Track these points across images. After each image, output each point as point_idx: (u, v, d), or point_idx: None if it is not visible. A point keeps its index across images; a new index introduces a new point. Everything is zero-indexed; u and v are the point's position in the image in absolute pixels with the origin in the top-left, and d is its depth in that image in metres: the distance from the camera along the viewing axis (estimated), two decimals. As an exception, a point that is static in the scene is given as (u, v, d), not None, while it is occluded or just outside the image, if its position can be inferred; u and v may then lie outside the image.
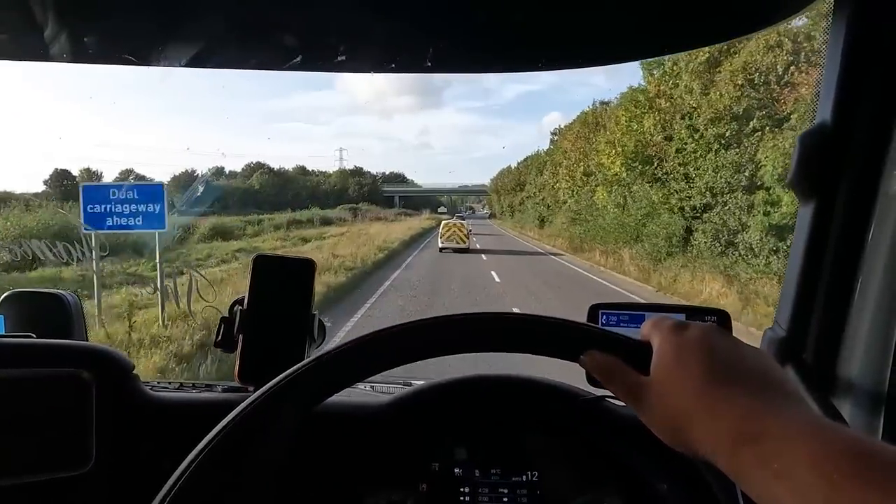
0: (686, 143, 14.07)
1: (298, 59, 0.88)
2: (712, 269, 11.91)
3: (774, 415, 0.34)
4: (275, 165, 55.39)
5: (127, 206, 5.96)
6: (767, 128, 11.76)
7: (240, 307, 0.81)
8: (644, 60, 14.05)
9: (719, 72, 13.22)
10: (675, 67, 14.90)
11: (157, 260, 6.02)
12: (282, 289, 0.82)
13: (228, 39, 0.87)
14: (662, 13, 0.76)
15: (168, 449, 0.49)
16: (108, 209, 5.90)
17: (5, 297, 1.07)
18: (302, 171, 61.49)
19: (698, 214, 13.71)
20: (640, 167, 16.18)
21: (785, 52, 11.76)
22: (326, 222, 30.89)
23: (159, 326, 6.07)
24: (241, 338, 0.80)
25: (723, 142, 12.87)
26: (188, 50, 0.87)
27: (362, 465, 0.75)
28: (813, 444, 0.31)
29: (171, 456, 0.42)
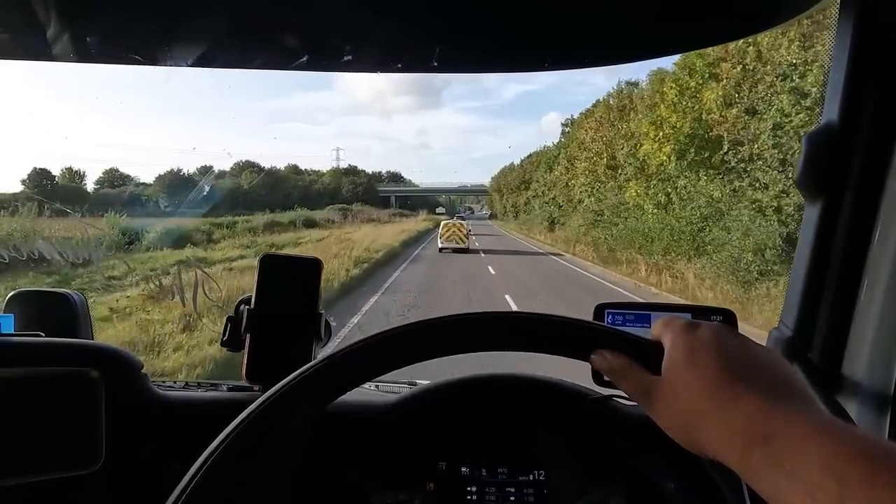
0: (788, 116, 9.80)
1: (304, 58, 0.88)
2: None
3: (785, 414, 0.34)
4: (266, 164, 54.11)
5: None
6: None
7: (246, 306, 0.81)
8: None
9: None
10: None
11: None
12: (288, 288, 0.82)
13: (234, 39, 0.87)
14: (665, 13, 0.76)
15: (175, 448, 0.49)
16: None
17: (13, 296, 1.08)
18: (294, 170, 60.43)
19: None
20: (695, 154, 12.31)
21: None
22: (310, 224, 28.39)
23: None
24: (247, 337, 0.80)
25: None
26: (193, 50, 0.87)
27: (369, 464, 0.75)
28: (825, 445, 0.31)
29: (178, 455, 0.43)
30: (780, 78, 10.29)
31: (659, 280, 12.39)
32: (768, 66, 10.68)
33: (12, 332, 0.99)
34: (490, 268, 15.18)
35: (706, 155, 12.21)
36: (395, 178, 78.35)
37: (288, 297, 0.81)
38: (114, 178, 45.03)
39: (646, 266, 13.41)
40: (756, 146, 10.55)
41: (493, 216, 64.20)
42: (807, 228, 0.71)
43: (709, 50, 10.46)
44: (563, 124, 34.24)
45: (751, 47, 10.87)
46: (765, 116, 10.45)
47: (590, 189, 21.16)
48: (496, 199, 59.24)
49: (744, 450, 0.34)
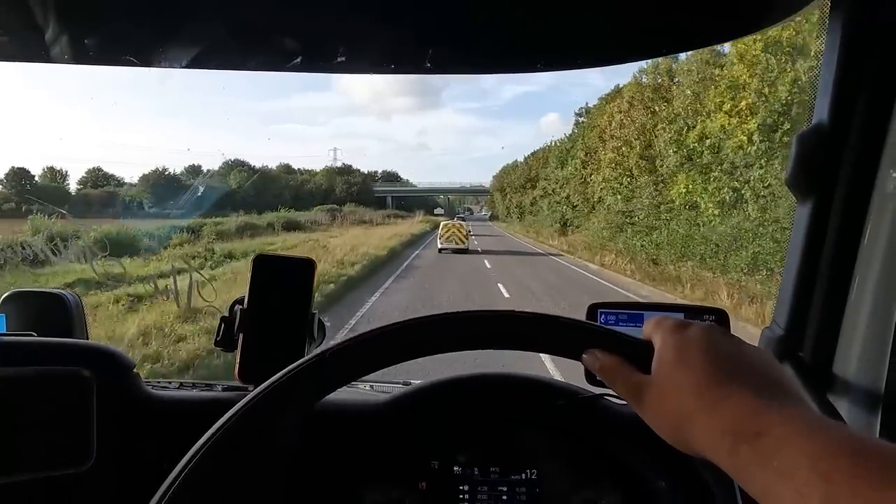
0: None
1: (298, 59, 0.88)
2: None
3: (774, 413, 0.34)
4: (258, 164, 52.37)
5: None
6: None
7: (240, 306, 0.82)
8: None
9: None
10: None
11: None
12: (281, 288, 0.82)
13: (228, 41, 0.87)
14: (660, 14, 0.76)
15: (168, 448, 0.49)
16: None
17: (7, 297, 1.08)
18: (286, 169, 58.61)
19: None
20: (784, 134, 9.01)
21: None
22: (292, 227, 25.64)
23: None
24: (241, 337, 0.80)
25: None
26: (188, 51, 0.87)
27: (362, 463, 0.75)
28: (812, 443, 0.31)
29: (171, 455, 0.43)
30: None
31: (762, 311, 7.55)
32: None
33: (4, 331, 0.99)
34: (502, 287, 11.36)
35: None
36: (392, 177, 77.22)
37: (281, 298, 0.82)
38: (97, 178, 44.17)
39: (727, 287, 9.07)
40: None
41: (493, 217, 62.28)
42: (798, 228, 0.72)
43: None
44: (576, 113, 30.43)
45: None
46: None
47: (616, 185, 17.36)
48: (498, 200, 55.42)
49: (733, 448, 0.35)
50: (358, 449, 0.75)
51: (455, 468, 0.76)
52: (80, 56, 0.88)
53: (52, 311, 1.08)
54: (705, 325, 0.43)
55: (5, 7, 0.75)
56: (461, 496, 0.75)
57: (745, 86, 10.42)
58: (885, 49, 0.63)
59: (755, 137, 9.67)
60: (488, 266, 15.21)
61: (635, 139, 16.23)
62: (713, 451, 0.36)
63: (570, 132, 29.69)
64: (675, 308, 0.82)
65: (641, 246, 13.66)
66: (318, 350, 0.46)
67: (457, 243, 19.44)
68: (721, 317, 0.77)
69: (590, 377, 0.72)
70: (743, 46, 10.50)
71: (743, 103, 10.32)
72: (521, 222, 40.33)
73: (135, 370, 0.80)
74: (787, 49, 9.72)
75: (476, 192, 78.02)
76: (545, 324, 0.46)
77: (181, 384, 0.96)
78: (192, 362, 5.40)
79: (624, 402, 0.75)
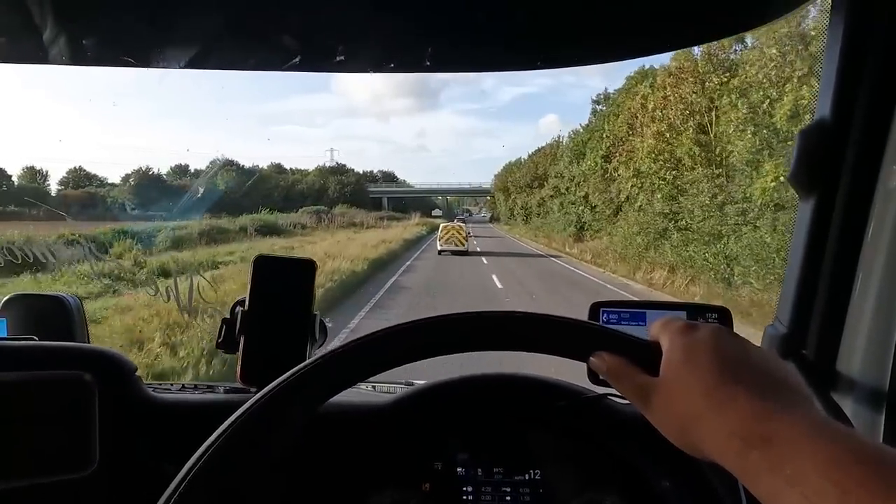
0: None
1: (297, 59, 0.88)
2: None
3: (783, 416, 0.34)
4: (248, 164, 50.33)
5: None
6: None
7: (241, 308, 0.81)
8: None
9: None
10: None
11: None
12: (282, 289, 0.82)
13: (226, 40, 0.87)
14: (658, 11, 0.76)
15: (170, 451, 0.49)
16: None
17: (7, 300, 1.07)
18: (277, 169, 56.42)
19: None
20: None
21: None
22: (269, 231, 22.45)
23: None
24: (242, 339, 0.80)
25: None
26: (186, 51, 0.87)
27: (365, 464, 0.75)
28: (824, 449, 0.31)
29: (173, 458, 0.42)
30: None
31: None
32: None
33: (5, 336, 0.99)
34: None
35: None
36: (389, 177, 75.63)
37: (282, 299, 0.81)
38: (79, 178, 42.91)
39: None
40: None
41: (493, 219, 60.26)
42: (800, 225, 0.71)
43: None
44: (594, 101, 24.93)
45: None
46: None
47: (655, 180, 13.63)
48: (500, 200, 51.04)
49: (742, 451, 0.34)
50: (361, 450, 0.75)
51: (458, 469, 0.76)
52: (77, 57, 0.87)
53: (53, 314, 1.08)
54: (713, 326, 0.42)
55: (2, 8, 0.75)
56: (465, 497, 0.75)
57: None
58: (887, 45, 0.63)
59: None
60: (499, 286, 11.50)
61: (685, 122, 12.39)
62: (720, 454, 0.36)
63: (587, 122, 24.67)
64: (677, 306, 0.82)
65: (705, 260, 10.04)
66: (322, 351, 0.45)
67: (456, 245, 19.45)
68: (724, 315, 0.77)
69: (593, 377, 0.72)
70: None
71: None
72: (526, 225, 35.91)
73: (136, 373, 0.80)
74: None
75: (476, 192, 77.25)
76: (551, 325, 0.46)
77: (183, 386, 0.96)
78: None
79: (627, 402, 0.75)
